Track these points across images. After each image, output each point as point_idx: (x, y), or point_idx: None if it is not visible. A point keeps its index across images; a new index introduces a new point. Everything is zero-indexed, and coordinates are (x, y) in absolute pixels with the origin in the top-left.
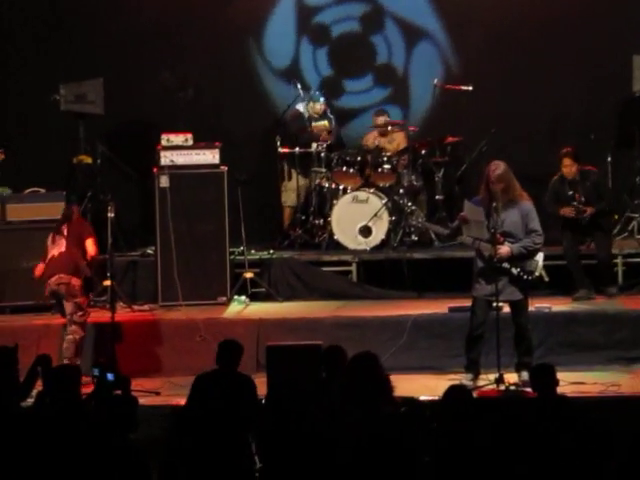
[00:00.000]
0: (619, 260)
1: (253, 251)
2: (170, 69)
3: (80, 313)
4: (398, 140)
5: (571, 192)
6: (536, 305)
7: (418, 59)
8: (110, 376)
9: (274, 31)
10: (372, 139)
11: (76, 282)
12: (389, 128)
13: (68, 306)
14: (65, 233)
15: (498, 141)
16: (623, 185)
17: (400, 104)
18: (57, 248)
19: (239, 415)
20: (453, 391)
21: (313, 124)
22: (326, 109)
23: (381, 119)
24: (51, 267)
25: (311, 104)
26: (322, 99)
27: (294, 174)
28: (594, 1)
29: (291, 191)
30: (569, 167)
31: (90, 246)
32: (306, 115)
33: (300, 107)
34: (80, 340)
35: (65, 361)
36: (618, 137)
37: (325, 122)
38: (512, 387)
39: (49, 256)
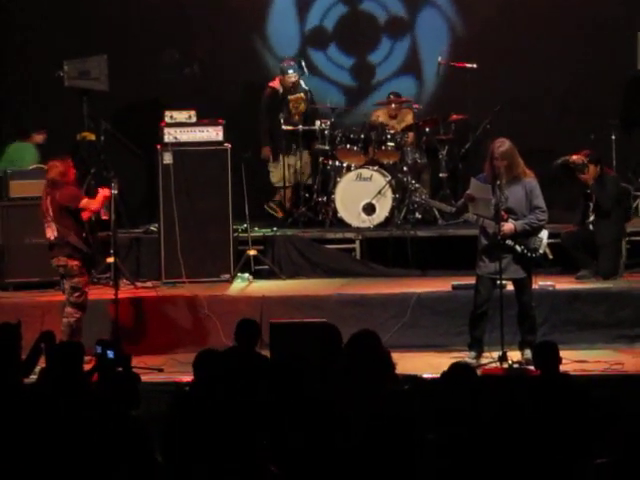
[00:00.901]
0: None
1: (257, 228)
2: (174, 45)
3: (77, 294)
4: (407, 121)
5: (588, 191)
6: (540, 283)
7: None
8: (111, 353)
9: None
10: (379, 117)
11: (73, 263)
12: (392, 106)
13: (66, 287)
14: (52, 214)
15: (502, 119)
16: (628, 163)
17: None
18: (50, 231)
19: (255, 394)
20: (456, 368)
21: (289, 97)
22: (298, 81)
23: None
24: (51, 250)
25: (285, 77)
26: (291, 71)
27: (281, 154)
28: None
29: (280, 170)
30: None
31: (86, 213)
32: (281, 90)
33: (274, 83)
34: (76, 322)
35: None
36: (623, 115)
37: (301, 94)
38: (515, 365)
39: (47, 236)
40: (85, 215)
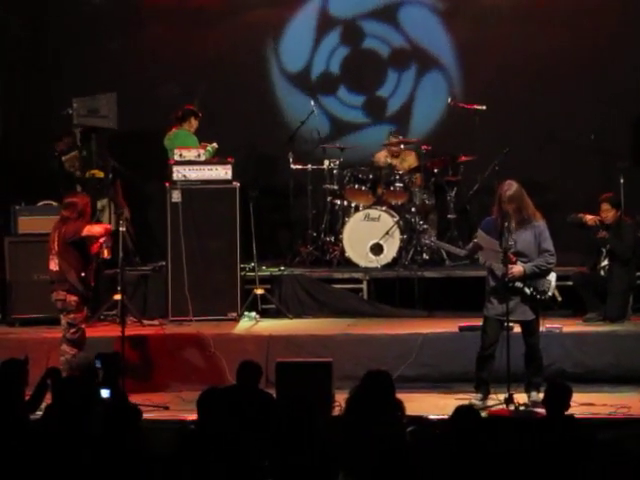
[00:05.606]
0: None
1: (264, 267)
2: (175, 82)
3: (73, 330)
4: (410, 161)
5: (604, 233)
6: (547, 325)
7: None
8: (106, 393)
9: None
10: (383, 158)
11: (72, 298)
12: (402, 146)
13: (63, 322)
14: (56, 248)
15: (511, 160)
16: (636, 206)
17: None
18: (53, 264)
19: (258, 431)
20: (461, 412)
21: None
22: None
23: (395, 140)
24: (52, 283)
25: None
26: None
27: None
28: (604, 22)
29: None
30: (606, 212)
31: (95, 245)
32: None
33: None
34: (73, 359)
35: None
36: (631, 158)
37: (75, 152)
38: (522, 407)
39: (49, 268)
40: (94, 248)
